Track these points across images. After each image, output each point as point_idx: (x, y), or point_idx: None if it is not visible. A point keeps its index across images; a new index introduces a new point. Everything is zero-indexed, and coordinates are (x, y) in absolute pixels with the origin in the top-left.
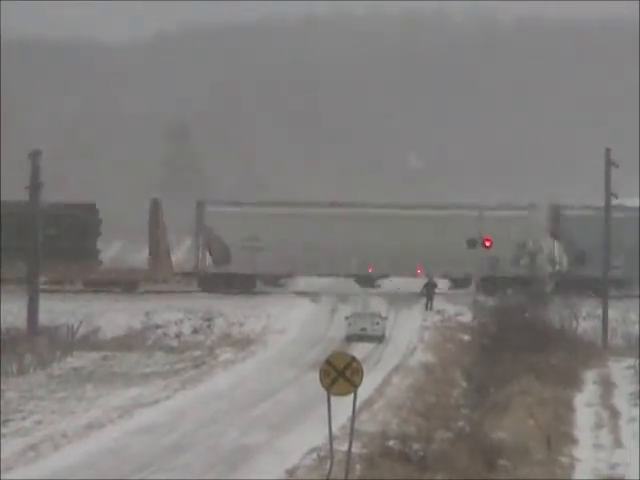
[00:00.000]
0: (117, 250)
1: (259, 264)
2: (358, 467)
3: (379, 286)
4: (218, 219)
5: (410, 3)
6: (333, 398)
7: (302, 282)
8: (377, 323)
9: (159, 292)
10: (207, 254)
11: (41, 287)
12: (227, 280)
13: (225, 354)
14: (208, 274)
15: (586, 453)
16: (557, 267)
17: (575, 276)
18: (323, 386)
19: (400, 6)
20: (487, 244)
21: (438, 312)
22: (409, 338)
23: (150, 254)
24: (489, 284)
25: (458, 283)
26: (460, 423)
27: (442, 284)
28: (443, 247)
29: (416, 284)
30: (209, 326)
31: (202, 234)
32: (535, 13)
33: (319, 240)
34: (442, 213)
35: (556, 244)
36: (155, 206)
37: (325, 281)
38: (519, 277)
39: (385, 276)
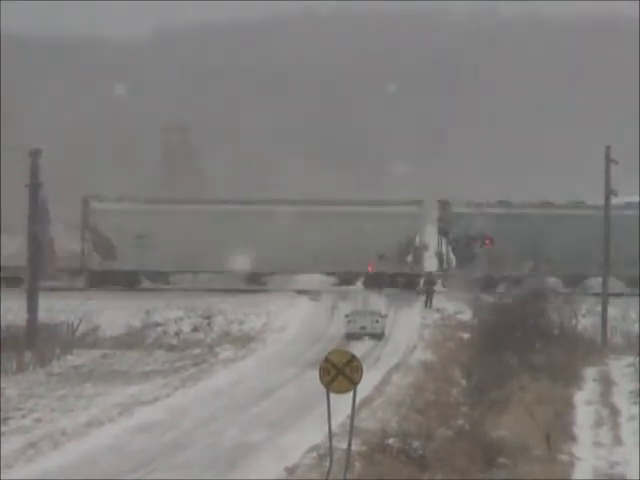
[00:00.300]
0: None
1: (146, 261)
2: (357, 465)
3: (265, 283)
4: (104, 215)
5: (410, 3)
6: (333, 396)
7: (194, 278)
8: (377, 321)
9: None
10: (93, 250)
11: None
12: (112, 277)
13: (225, 352)
14: (93, 271)
15: (586, 451)
16: (444, 265)
17: (463, 274)
18: (322, 384)
19: (400, 5)
20: (487, 242)
21: (438, 310)
22: (409, 336)
23: None
24: (374, 281)
25: (344, 279)
26: (460, 421)
27: (329, 281)
28: (331, 243)
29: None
30: (209, 324)
31: (87, 230)
32: (535, 13)
33: (208, 237)
34: (333, 209)
35: (444, 241)
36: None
37: (216, 277)
38: (403, 274)
39: (272, 273)
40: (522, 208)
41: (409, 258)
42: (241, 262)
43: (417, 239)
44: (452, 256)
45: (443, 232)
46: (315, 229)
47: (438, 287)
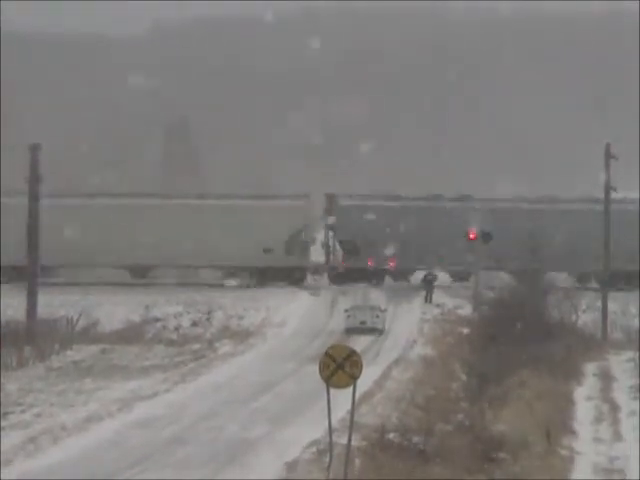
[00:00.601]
0: None
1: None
2: (357, 460)
3: (153, 277)
4: None
5: (410, 2)
6: (333, 391)
7: (81, 273)
8: (377, 316)
9: None
10: None
11: None
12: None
13: (224, 347)
14: None
15: (586, 446)
16: (330, 258)
17: (349, 267)
18: (322, 378)
19: (400, 4)
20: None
21: (438, 305)
22: (409, 331)
23: None
24: (262, 275)
25: (230, 273)
26: (460, 416)
27: (215, 275)
28: (218, 237)
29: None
30: (208, 319)
31: None
32: (535, 11)
33: (92, 231)
34: (219, 203)
35: (330, 234)
36: None
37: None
38: (289, 268)
39: (155, 267)
40: (411, 201)
41: (296, 252)
42: (124, 256)
43: (303, 233)
44: (338, 249)
45: (329, 225)
46: (202, 223)
47: (324, 281)
